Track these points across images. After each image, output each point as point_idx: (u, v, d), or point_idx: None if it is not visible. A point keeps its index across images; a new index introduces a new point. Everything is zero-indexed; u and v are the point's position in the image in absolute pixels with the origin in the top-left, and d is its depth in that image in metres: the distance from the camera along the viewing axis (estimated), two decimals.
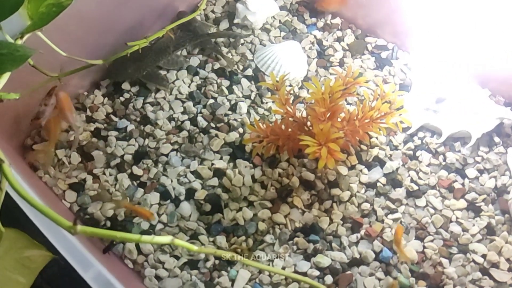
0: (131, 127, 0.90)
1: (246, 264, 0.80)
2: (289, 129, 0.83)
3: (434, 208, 0.83)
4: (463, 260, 0.78)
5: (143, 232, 0.81)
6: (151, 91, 0.96)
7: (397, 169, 0.87)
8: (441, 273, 0.77)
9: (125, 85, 0.97)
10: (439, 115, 0.90)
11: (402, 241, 0.80)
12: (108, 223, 0.82)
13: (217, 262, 0.79)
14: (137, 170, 0.86)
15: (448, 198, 0.84)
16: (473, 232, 0.80)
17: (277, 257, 0.80)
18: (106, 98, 0.96)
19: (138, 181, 0.85)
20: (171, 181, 0.85)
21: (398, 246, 0.74)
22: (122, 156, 0.87)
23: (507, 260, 0.77)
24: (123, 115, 0.93)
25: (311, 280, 0.61)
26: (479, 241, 0.80)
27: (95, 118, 0.91)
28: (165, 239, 0.53)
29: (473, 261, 0.78)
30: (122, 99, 0.95)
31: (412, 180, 0.86)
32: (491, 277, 0.76)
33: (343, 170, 0.86)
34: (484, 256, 0.78)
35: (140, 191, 0.84)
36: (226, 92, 0.97)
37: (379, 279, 0.78)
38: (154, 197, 0.85)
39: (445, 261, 0.78)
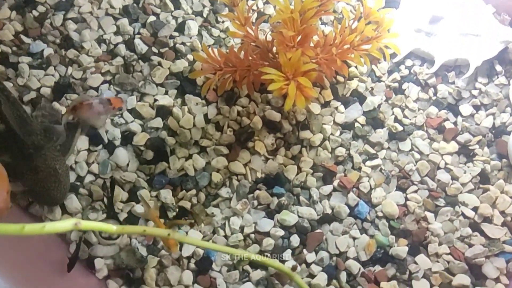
0: (48, 51, 0.74)
1: (197, 224, 0.66)
2: (250, 58, 0.66)
3: (420, 153, 0.70)
4: (450, 214, 0.67)
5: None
6: (73, 3, 0.75)
7: (379, 105, 0.73)
8: (425, 230, 0.66)
9: None
10: (432, 38, 0.74)
11: (381, 191, 0.67)
12: None
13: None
14: (58, 108, 0.70)
15: (437, 141, 0.71)
16: (464, 181, 0.69)
17: (234, 215, 0.67)
18: (14, 12, 0.75)
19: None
20: (103, 121, 0.69)
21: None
22: (38, 90, 0.72)
23: (502, 213, 0.67)
24: (38, 35, 0.75)
25: (268, 260, 0.48)
26: (470, 191, 0.69)
27: (0, 39, 0.72)
28: (66, 224, 0.38)
29: (462, 214, 0.67)
30: (35, 13, 0.76)
31: (396, 119, 0.72)
32: (482, 233, 0.66)
33: (315, 108, 0.71)
34: (475, 209, 0.67)
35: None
36: (171, 7, 0.78)
37: (354, 238, 0.66)
38: (81, 142, 0.69)
39: (430, 215, 0.67)
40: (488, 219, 0.67)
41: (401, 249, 0.65)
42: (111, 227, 0.41)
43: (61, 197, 0.63)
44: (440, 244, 0.66)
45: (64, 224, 0.37)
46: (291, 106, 0.61)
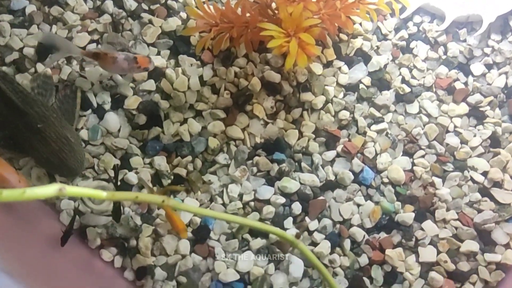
0: (31, 8, 0.70)
1: (193, 191, 0.63)
2: (247, 14, 0.61)
3: (429, 115, 0.66)
4: (459, 179, 0.64)
5: None
6: None
7: (385, 65, 0.68)
8: (432, 195, 0.63)
9: None
10: None
11: (387, 157, 0.64)
12: None
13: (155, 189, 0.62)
14: (51, 74, 0.65)
15: (446, 102, 0.67)
16: (474, 144, 0.65)
17: (232, 182, 0.64)
18: None
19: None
20: (92, 84, 0.66)
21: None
22: (21, 50, 0.67)
23: None
24: None
25: (270, 227, 0.44)
26: (480, 155, 0.65)
27: None
28: (49, 189, 0.34)
29: (472, 179, 0.64)
30: None
31: (403, 80, 0.68)
32: (492, 198, 0.63)
33: (317, 68, 0.67)
34: (485, 173, 0.64)
35: None
36: None
37: (358, 205, 0.64)
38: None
39: (437, 181, 0.64)
40: (498, 184, 0.64)
41: (407, 215, 0.62)
42: (101, 193, 0.37)
43: (79, 166, 0.60)
44: (447, 210, 0.63)
45: (46, 190, 0.34)
46: (291, 65, 0.57)
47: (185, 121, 0.65)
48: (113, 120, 0.65)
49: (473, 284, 0.61)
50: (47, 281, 0.54)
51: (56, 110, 0.61)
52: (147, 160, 0.64)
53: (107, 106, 0.65)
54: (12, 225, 0.56)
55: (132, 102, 0.65)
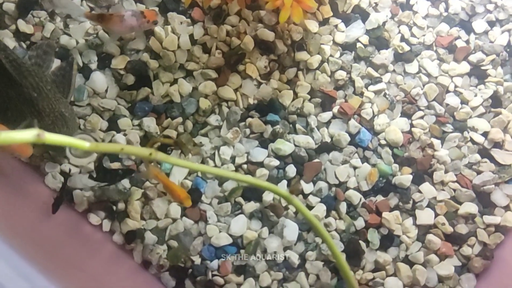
0: None
1: (184, 154, 0.61)
2: None
3: (428, 75, 0.64)
4: (458, 140, 0.62)
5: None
6: None
7: (384, 23, 0.66)
8: (430, 157, 0.61)
9: None
10: None
11: (384, 118, 0.62)
12: None
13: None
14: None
15: (447, 61, 0.64)
16: (474, 104, 0.63)
17: (224, 144, 0.61)
18: None
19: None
20: (77, 42, 0.63)
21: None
22: (0, 5, 0.63)
23: None
24: None
25: (264, 182, 0.42)
26: (480, 115, 0.63)
27: None
28: (27, 134, 0.32)
29: (471, 140, 0.62)
30: None
31: (402, 38, 0.65)
32: (492, 159, 0.62)
33: (313, 26, 0.64)
34: (485, 134, 0.62)
35: None
36: None
37: (355, 167, 0.62)
38: (53, 64, 0.61)
39: (436, 142, 0.62)
40: (498, 145, 0.62)
41: (404, 177, 0.61)
42: (84, 144, 0.35)
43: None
44: (446, 172, 0.62)
45: (23, 134, 0.31)
46: (286, 18, 0.54)
47: (175, 81, 0.63)
48: (99, 80, 0.62)
49: (471, 246, 0.60)
50: (33, 246, 0.52)
51: (51, 83, 0.57)
52: (136, 122, 0.62)
53: (93, 66, 0.63)
54: None
55: (119, 61, 0.62)
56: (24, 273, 0.46)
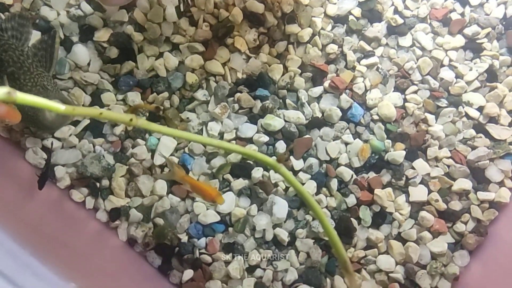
0: None
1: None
2: None
3: (422, 49, 0.62)
4: (453, 114, 0.61)
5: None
6: None
7: None
8: (424, 132, 0.60)
9: None
10: None
11: (377, 92, 0.60)
12: None
13: (130, 127, 0.58)
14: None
15: (441, 34, 0.63)
16: (470, 79, 0.61)
17: (212, 120, 0.60)
18: None
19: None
20: (58, 14, 0.61)
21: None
22: None
23: (510, 112, 0.61)
24: None
25: (250, 151, 0.40)
26: (476, 89, 0.62)
27: None
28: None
29: (466, 115, 0.61)
30: None
31: (396, 11, 0.63)
32: (487, 134, 0.60)
33: None
34: (480, 108, 0.61)
35: None
36: None
37: (346, 143, 0.60)
38: (33, 37, 0.58)
39: (430, 117, 0.60)
40: (494, 119, 0.61)
41: (397, 153, 0.59)
42: (59, 106, 0.33)
43: (57, 118, 0.52)
44: (440, 147, 0.60)
45: None
46: None
47: (160, 55, 0.61)
48: (82, 53, 0.59)
49: (465, 223, 0.59)
50: (16, 222, 0.50)
51: (32, 56, 0.55)
52: (120, 97, 0.60)
53: (75, 38, 0.60)
54: None
55: (102, 34, 0.60)
56: (7, 249, 0.44)
